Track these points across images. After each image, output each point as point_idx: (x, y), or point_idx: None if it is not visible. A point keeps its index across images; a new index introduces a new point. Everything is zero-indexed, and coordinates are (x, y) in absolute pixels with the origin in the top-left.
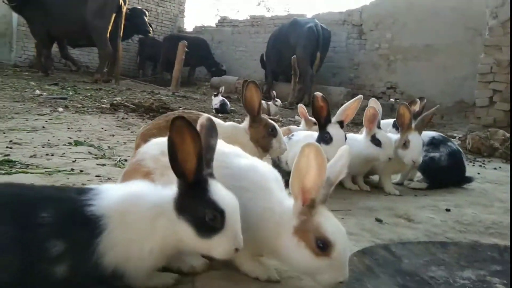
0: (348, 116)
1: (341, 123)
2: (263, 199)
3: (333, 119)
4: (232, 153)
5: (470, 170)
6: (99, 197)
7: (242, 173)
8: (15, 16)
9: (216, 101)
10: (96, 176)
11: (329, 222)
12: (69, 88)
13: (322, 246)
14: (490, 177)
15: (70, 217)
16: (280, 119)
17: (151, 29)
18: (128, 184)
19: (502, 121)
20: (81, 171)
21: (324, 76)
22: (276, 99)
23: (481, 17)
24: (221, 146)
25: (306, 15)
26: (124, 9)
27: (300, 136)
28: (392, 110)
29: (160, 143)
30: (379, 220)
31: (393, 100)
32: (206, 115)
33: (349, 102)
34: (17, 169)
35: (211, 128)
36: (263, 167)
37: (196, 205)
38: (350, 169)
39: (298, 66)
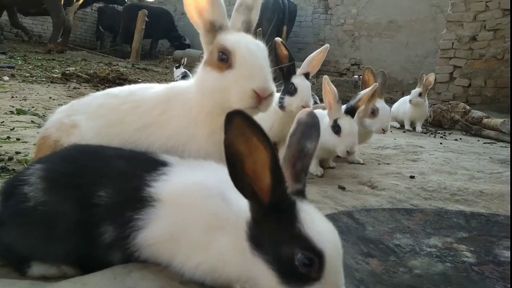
0: (314, 68)
1: (306, 75)
2: None
3: (298, 71)
4: (140, 88)
5: (432, 141)
6: (165, 179)
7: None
8: None
9: (178, 73)
10: (35, 144)
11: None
12: (18, 58)
13: None
14: (453, 146)
15: (127, 198)
16: None
17: None
18: (202, 170)
19: (461, 97)
20: (18, 139)
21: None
22: None
23: None
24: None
25: None
26: None
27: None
28: (355, 87)
29: (64, 110)
30: (342, 188)
31: (356, 77)
32: (308, 109)
33: (315, 52)
34: None
35: (312, 127)
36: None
37: (280, 240)
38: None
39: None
